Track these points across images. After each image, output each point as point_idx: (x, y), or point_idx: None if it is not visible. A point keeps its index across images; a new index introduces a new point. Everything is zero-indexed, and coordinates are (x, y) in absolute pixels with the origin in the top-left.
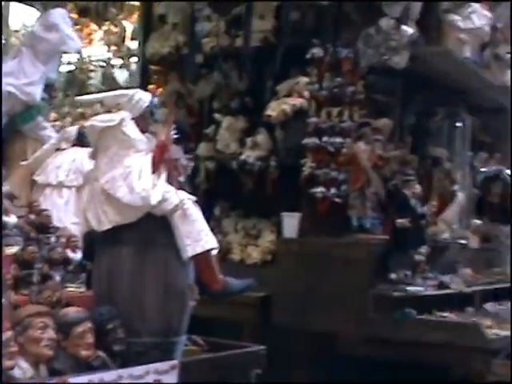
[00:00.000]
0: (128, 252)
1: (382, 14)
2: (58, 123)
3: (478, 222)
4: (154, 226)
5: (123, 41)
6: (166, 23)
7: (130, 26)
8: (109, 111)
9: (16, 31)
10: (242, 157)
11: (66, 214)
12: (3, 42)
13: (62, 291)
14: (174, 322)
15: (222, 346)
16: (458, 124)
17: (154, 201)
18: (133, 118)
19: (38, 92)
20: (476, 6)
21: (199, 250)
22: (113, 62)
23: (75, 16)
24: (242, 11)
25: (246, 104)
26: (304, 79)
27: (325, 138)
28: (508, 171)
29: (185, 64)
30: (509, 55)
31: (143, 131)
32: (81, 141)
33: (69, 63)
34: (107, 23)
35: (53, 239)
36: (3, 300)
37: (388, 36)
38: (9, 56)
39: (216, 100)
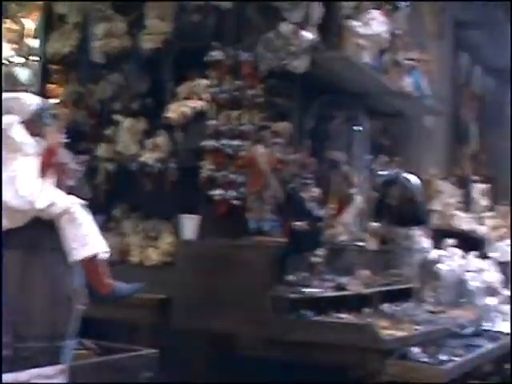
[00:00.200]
0: (15, 256)
1: (282, 18)
2: None
3: (377, 224)
4: (42, 231)
5: (23, 39)
6: (66, 23)
7: (31, 24)
8: None
9: None
10: (142, 158)
11: None
12: None
13: None
14: (59, 326)
15: (114, 349)
16: (357, 128)
17: (40, 205)
18: (22, 122)
19: None
20: (375, 12)
21: (86, 253)
22: (15, 60)
23: None
24: (143, 12)
25: (147, 105)
26: (204, 81)
27: (223, 141)
28: (406, 175)
29: (85, 64)
30: (406, 61)
31: (33, 134)
32: None
33: None
34: (8, 21)
35: None
36: None
37: (287, 41)
38: None
39: (117, 101)
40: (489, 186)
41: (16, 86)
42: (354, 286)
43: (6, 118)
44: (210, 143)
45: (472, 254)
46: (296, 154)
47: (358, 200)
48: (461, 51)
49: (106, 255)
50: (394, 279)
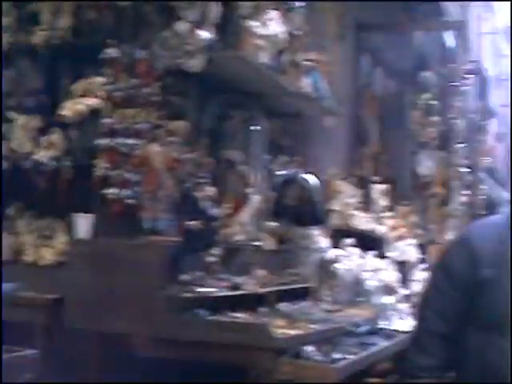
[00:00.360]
0: None
1: (178, 17)
2: None
3: (275, 224)
4: None
5: None
6: None
7: None
8: None
9: None
10: (36, 156)
11: None
12: None
13: None
14: None
15: None
16: (255, 127)
17: None
18: None
19: None
20: (273, 13)
21: None
22: None
23: None
24: (39, 7)
25: (42, 103)
26: (99, 79)
27: (118, 140)
28: (305, 175)
29: None
30: (305, 62)
31: None
32: None
33: None
34: None
35: None
36: None
37: (183, 39)
38: None
39: (11, 98)
40: (389, 186)
41: None
42: (250, 285)
43: None
44: (104, 142)
45: (370, 254)
46: (192, 153)
47: (255, 200)
48: (362, 53)
49: None
50: (291, 279)
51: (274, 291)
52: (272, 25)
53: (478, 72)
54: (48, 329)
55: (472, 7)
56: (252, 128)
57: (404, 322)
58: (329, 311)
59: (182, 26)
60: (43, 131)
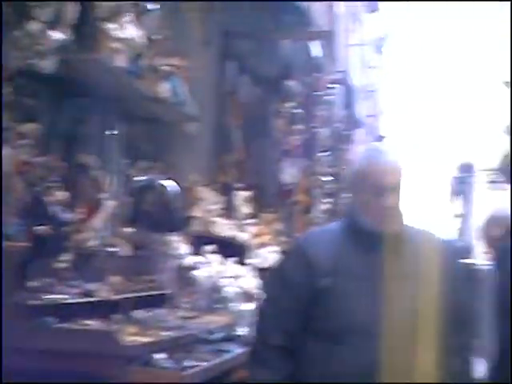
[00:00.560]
0: None
1: (31, 16)
2: None
3: (131, 229)
4: None
5: None
6: None
7: None
8: None
9: None
10: None
11: None
12: None
13: None
14: None
15: None
16: (111, 132)
17: None
18: None
19: None
20: (131, 16)
21: None
22: None
23: None
24: None
25: None
26: None
27: None
28: (163, 181)
29: None
30: (165, 67)
31: None
32: None
33: None
34: None
35: None
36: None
37: (35, 40)
38: None
39: None
40: (252, 193)
41: None
42: (103, 292)
43: None
44: None
45: (231, 261)
46: (44, 157)
47: (109, 205)
48: (228, 60)
49: None
50: (147, 285)
51: (129, 298)
52: (129, 28)
53: (343, 82)
54: None
55: (340, 18)
56: (108, 132)
57: None
58: (185, 318)
59: (34, 26)
60: None
